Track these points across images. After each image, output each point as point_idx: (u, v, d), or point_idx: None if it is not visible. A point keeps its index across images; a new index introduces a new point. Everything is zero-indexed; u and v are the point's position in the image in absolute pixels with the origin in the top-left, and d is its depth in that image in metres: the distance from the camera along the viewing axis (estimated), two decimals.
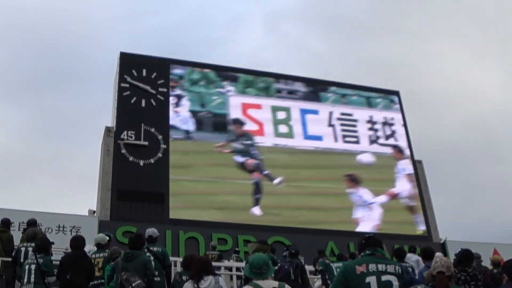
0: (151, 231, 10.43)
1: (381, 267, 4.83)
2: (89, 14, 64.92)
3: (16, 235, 13.10)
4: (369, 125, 26.68)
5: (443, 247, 23.12)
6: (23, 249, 10.49)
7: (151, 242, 10.15)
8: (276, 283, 5.65)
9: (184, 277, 8.55)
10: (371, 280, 4.76)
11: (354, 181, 24.43)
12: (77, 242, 9.39)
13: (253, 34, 68.91)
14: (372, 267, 4.84)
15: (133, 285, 7.92)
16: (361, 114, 26.87)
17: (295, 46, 65.96)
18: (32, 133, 59.98)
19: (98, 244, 10.48)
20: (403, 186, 25.54)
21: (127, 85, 23.16)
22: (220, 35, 68.49)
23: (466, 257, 7.84)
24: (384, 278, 4.75)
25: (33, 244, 10.43)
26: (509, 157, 58.47)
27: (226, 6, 71.04)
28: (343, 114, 26.43)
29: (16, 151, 57.63)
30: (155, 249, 9.98)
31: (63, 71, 62.25)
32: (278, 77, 26.46)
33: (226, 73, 25.44)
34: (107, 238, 10.70)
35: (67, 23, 63.19)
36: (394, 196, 24.95)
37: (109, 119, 23.61)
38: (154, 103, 23.20)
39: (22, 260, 10.27)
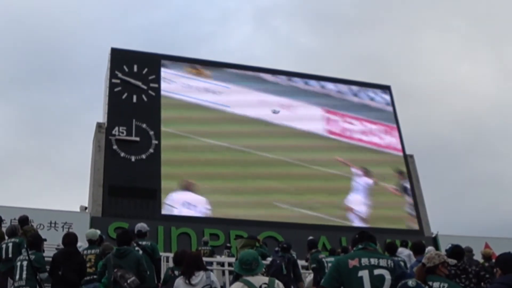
0: (140, 225, 10.45)
1: (373, 261, 4.84)
2: (77, 10, 64.96)
3: None
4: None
5: (435, 241, 23.19)
6: (3, 246, 10.44)
7: (140, 236, 10.16)
8: (266, 279, 5.68)
9: (176, 272, 8.56)
10: (364, 274, 4.77)
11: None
12: (70, 239, 9.40)
13: (242, 30, 68.97)
14: (364, 261, 4.85)
15: (128, 281, 7.93)
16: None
17: (284, 41, 65.98)
18: (23, 129, 59.84)
19: (89, 240, 10.49)
20: None
21: (118, 81, 23.11)
22: (208, 30, 68.42)
23: (457, 252, 7.89)
24: (376, 272, 4.77)
25: (12, 240, 10.41)
26: (500, 151, 58.68)
27: (215, 1, 70.97)
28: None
29: (7, 147, 57.55)
30: (144, 243, 9.99)
31: (53, 67, 62.10)
32: (268, 72, 26.41)
33: None
34: (98, 233, 10.71)
35: (56, 19, 63.09)
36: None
37: (100, 115, 23.60)
38: (145, 99, 23.16)
39: (3, 257, 10.25)
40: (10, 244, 10.31)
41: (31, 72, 61.40)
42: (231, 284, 8.38)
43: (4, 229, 12.76)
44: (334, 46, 66.37)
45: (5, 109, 58.94)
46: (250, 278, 5.64)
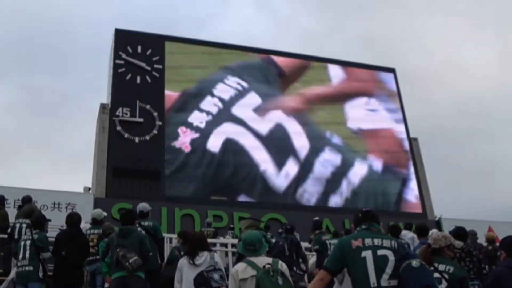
0: (142, 206, 10.34)
1: (377, 241, 4.79)
2: None
3: (11, 212, 13.10)
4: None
5: (438, 225, 23.21)
6: (17, 225, 10.52)
7: (142, 217, 10.08)
8: (269, 259, 5.68)
9: (182, 253, 8.55)
10: (367, 254, 4.73)
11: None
12: (73, 219, 9.39)
13: (243, 11, 68.50)
14: (368, 241, 4.80)
15: (130, 261, 7.92)
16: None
17: (286, 23, 65.61)
18: (26, 110, 59.91)
19: (93, 220, 10.48)
20: None
21: (122, 62, 23.05)
22: (209, 12, 67.96)
23: (460, 234, 7.86)
24: (380, 252, 4.73)
25: (27, 221, 10.44)
26: (504, 135, 58.62)
27: None
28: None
29: (10, 128, 57.55)
30: (146, 223, 9.94)
31: (55, 48, 62.02)
32: (271, 53, 26.29)
33: None
34: (104, 214, 10.71)
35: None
36: None
37: (104, 96, 23.58)
38: (149, 80, 23.10)
39: (16, 236, 10.29)
40: (24, 225, 10.37)
41: (33, 54, 61.35)
42: (234, 265, 8.39)
43: (7, 210, 12.84)
44: (336, 28, 66.09)
45: (7, 90, 59.00)
46: (253, 259, 5.64)
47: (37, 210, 11.81)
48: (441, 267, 5.74)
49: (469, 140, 57.55)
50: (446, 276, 5.67)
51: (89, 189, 21.66)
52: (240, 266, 5.71)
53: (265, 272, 5.47)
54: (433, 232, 10.33)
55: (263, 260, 5.65)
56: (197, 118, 22.84)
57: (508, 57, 63.87)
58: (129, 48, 23.47)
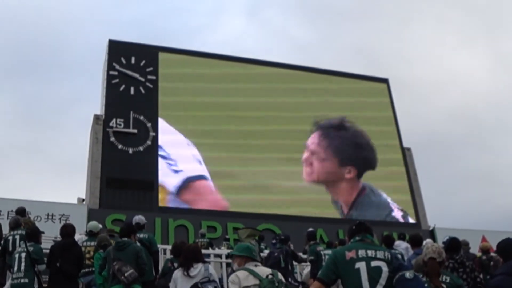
0: (138, 218, 10.50)
1: (370, 253, 4.83)
2: (71, 2, 64.53)
3: (5, 224, 13.05)
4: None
5: (431, 234, 23.24)
6: (10, 238, 10.45)
7: (138, 229, 10.14)
8: (270, 270, 5.65)
9: (175, 264, 8.56)
10: (361, 265, 4.76)
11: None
12: (67, 230, 9.39)
13: (235, 22, 68.70)
14: (361, 253, 4.84)
15: (126, 274, 7.92)
16: None
17: (278, 33, 65.75)
18: (19, 121, 59.70)
19: (90, 232, 10.49)
20: None
21: (115, 73, 23.08)
22: (201, 22, 68.10)
23: (454, 245, 7.88)
24: (373, 263, 4.77)
25: (19, 232, 10.41)
26: (496, 144, 58.79)
27: None
28: None
29: (2, 138, 57.35)
30: (141, 235, 9.99)
31: (47, 59, 62.01)
32: (264, 64, 26.35)
33: None
34: (100, 226, 10.74)
35: (51, 9, 62.83)
36: None
37: (97, 107, 23.59)
38: (143, 91, 23.12)
39: (10, 249, 10.26)
40: (17, 237, 10.33)
41: (26, 64, 61.30)
42: (228, 276, 8.39)
43: (1, 221, 12.77)
44: (328, 38, 66.34)
45: (0, 100, 58.80)
46: (253, 268, 5.60)
47: (30, 221, 11.74)
48: (440, 277, 5.84)
49: (462, 149, 57.75)
50: (445, 286, 5.75)
51: (83, 200, 21.62)
52: (242, 273, 5.58)
53: (270, 282, 5.41)
54: (428, 242, 10.38)
55: (264, 270, 5.60)
56: None
57: (500, 66, 64.23)
58: (122, 59, 23.50)
